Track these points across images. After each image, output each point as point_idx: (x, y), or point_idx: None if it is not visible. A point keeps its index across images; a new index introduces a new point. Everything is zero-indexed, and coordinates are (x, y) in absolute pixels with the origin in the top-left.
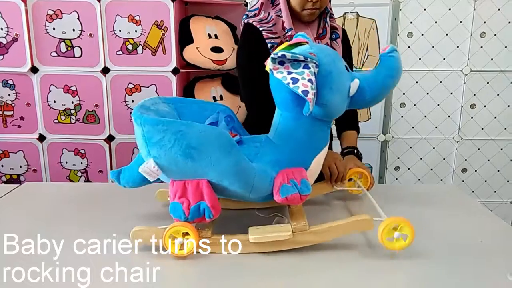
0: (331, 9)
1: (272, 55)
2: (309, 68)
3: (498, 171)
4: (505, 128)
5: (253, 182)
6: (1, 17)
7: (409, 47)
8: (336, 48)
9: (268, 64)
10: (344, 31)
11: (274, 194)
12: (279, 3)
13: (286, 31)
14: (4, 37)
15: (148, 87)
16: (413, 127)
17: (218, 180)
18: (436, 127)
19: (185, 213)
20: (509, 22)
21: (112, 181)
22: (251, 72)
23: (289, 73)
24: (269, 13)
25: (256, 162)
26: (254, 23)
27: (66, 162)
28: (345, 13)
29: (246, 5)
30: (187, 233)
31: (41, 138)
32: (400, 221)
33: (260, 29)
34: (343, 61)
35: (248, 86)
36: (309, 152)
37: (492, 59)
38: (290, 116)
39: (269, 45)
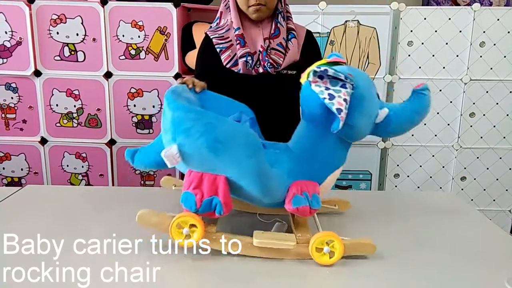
0: (289, 12)
1: (314, 68)
2: (346, 88)
3: (497, 179)
4: (504, 137)
5: (270, 187)
6: (6, 20)
7: (409, 55)
8: (291, 48)
9: (307, 76)
10: (309, 32)
11: (286, 202)
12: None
13: (234, 30)
14: (8, 41)
15: (150, 92)
16: (412, 135)
17: (237, 178)
18: (435, 135)
19: (196, 205)
20: (508, 32)
21: (113, 184)
22: (198, 73)
23: (327, 88)
24: (227, 19)
25: (274, 169)
26: (208, 33)
27: (67, 166)
28: (346, 22)
29: None
30: (194, 225)
31: (43, 141)
32: (335, 238)
33: (211, 37)
34: (375, 88)
35: None
36: (326, 169)
37: (491, 69)
38: (315, 130)
39: (218, 50)
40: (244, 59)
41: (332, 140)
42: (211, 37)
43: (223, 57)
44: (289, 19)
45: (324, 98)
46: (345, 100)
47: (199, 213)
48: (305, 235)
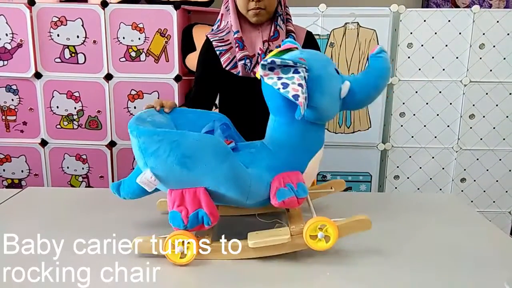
0: (288, 14)
1: (262, 62)
2: (299, 72)
3: (497, 181)
4: (504, 139)
5: (249, 187)
6: (6, 23)
7: (409, 57)
8: None
9: (259, 71)
10: (309, 33)
11: (271, 198)
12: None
13: (233, 33)
14: (9, 43)
15: (150, 94)
16: (412, 137)
17: (215, 187)
18: (435, 137)
19: (184, 222)
20: (508, 34)
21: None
22: (198, 76)
23: (279, 78)
24: (227, 22)
25: (252, 168)
26: (209, 36)
27: (68, 167)
28: (346, 24)
29: None
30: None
31: (43, 143)
32: (326, 222)
33: (211, 39)
34: (333, 65)
35: (194, 84)
36: (304, 155)
37: (491, 70)
38: (283, 121)
39: (217, 52)
40: (243, 62)
41: (302, 126)
42: (211, 40)
43: (222, 59)
44: (289, 21)
45: (279, 88)
46: (300, 84)
47: (189, 229)
48: (298, 226)
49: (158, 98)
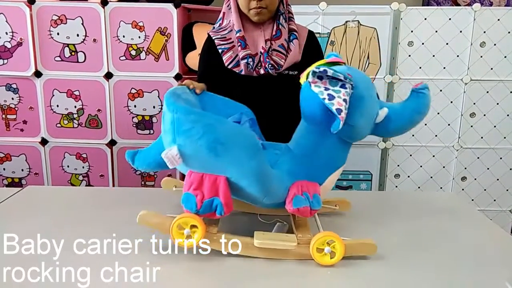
0: (291, 12)
1: (313, 69)
2: (346, 88)
3: (498, 179)
4: (505, 137)
5: (270, 187)
6: (6, 21)
7: (409, 55)
8: (293, 49)
9: (307, 77)
10: (311, 33)
11: (287, 203)
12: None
13: (235, 32)
14: (9, 41)
15: (150, 93)
16: (413, 135)
17: (237, 179)
18: (436, 135)
19: (197, 206)
20: (509, 32)
21: (113, 185)
22: (200, 74)
23: (327, 89)
24: (229, 20)
25: (274, 169)
26: (211, 33)
27: (68, 166)
28: (346, 22)
29: None
30: (194, 226)
31: (44, 142)
32: (335, 239)
33: (213, 37)
34: (375, 88)
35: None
36: (327, 169)
37: (491, 69)
38: (315, 131)
39: (219, 50)
40: (245, 60)
41: (332, 141)
42: (213, 38)
43: (224, 58)
44: (291, 20)
45: (324, 98)
46: (344, 100)
47: (200, 214)
48: (305, 236)
49: (158, 96)
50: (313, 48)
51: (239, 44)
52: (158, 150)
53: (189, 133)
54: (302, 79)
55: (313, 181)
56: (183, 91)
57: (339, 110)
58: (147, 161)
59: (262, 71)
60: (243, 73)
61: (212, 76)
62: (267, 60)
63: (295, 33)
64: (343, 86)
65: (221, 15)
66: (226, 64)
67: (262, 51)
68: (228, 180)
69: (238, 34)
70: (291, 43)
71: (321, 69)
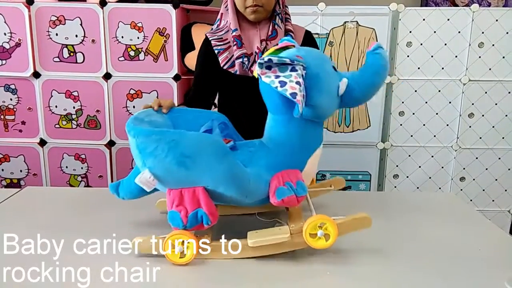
0: (287, 13)
1: (259, 60)
2: (296, 70)
3: (496, 180)
4: (503, 138)
5: (248, 186)
6: (5, 22)
7: (408, 56)
8: None
9: (256, 70)
10: (308, 32)
11: (270, 197)
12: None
13: (232, 31)
14: (7, 42)
15: (149, 93)
16: (412, 136)
17: (214, 186)
18: (434, 136)
19: (183, 221)
20: (507, 33)
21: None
22: (197, 75)
23: (277, 76)
24: (227, 21)
25: (251, 167)
26: (208, 35)
27: (67, 167)
28: (345, 23)
29: None
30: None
31: (42, 142)
32: (326, 220)
33: (210, 38)
34: (330, 62)
35: (193, 83)
36: (303, 154)
37: (490, 69)
38: (281, 120)
39: (216, 51)
40: (241, 60)
41: (301, 125)
42: (210, 39)
43: (220, 58)
44: (288, 20)
45: (276, 86)
46: (297, 82)
47: (188, 229)
48: (298, 224)
49: (157, 97)
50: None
51: (235, 43)
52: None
53: (155, 153)
54: (255, 73)
55: (293, 169)
56: (147, 114)
57: (294, 94)
58: (129, 190)
59: None
60: (238, 73)
61: (208, 77)
62: None
63: (291, 33)
64: (293, 69)
65: (218, 16)
66: (221, 65)
67: (257, 51)
68: (206, 189)
69: (234, 33)
70: None
71: (266, 58)
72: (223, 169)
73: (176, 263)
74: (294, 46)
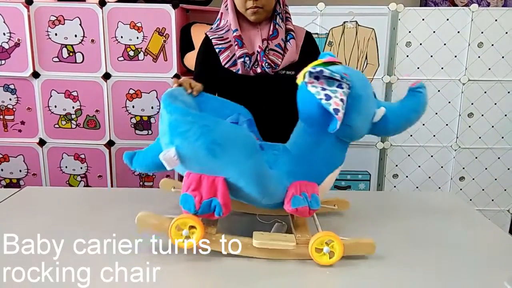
0: (288, 12)
1: (310, 69)
2: (342, 88)
3: (496, 179)
4: (502, 137)
5: (268, 188)
6: (4, 22)
7: (407, 56)
8: (290, 48)
9: (303, 77)
10: (308, 33)
11: (285, 203)
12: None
13: (232, 32)
14: (6, 42)
15: (149, 93)
16: (411, 135)
17: (235, 180)
18: (434, 136)
19: (195, 207)
20: (506, 33)
21: (112, 186)
22: (197, 74)
23: (323, 89)
24: (227, 20)
25: (273, 170)
26: (208, 33)
27: (66, 167)
28: (344, 23)
29: None
30: (193, 226)
31: (42, 142)
32: (334, 239)
33: (211, 37)
34: (372, 88)
35: None
36: (325, 169)
37: (489, 69)
38: (313, 131)
39: (217, 50)
40: (242, 59)
41: (330, 140)
42: (210, 37)
43: (222, 57)
44: (288, 20)
45: (321, 98)
46: (341, 100)
47: (199, 215)
48: (304, 236)
49: (156, 97)
50: (310, 49)
51: (236, 43)
52: (156, 152)
53: (187, 135)
54: (299, 80)
55: (311, 181)
56: (180, 93)
57: (337, 110)
58: (145, 162)
59: (259, 70)
60: (240, 72)
61: (209, 76)
62: (264, 59)
63: (292, 33)
64: (340, 86)
65: (219, 15)
66: (223, 64)
67: (259, 50)
68: (226, 181)
69: (235, 34)
70: (288, 42)
71: (318, 69)
72: (250, 165)
73: (179, 245)
74: (340, 63)
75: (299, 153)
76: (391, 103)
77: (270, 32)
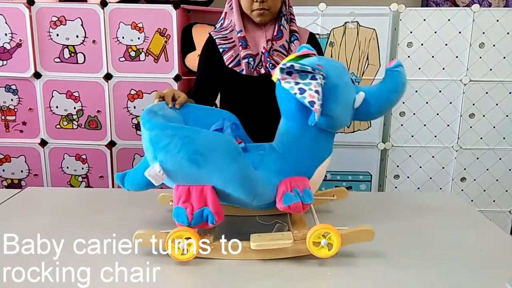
0: (292, 14)
1: (280, 66)
2: (316, 79)
3: (497, 180)
4: (504, 138)
5: (256, 189)
6: (6, 22)
7: (409, 56)
8: (294, 50)
9: (276, 74)
10: (312, 34)
11: (277, 202)
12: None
13: (237, 32)
14: (8, 43)
15: (150, 94)
16: (412, 136)
17: (223, 186)
18: (435, 136)
19: (188, 218)
20: (508, 33)
21: (113, 186)
22: (200, 73)
23: (297, 83)
24: (231, 20)
25: (260, 170)
26: (212, 33)
27: (67, 167)
28: (345, 23)
29: None
30: (189, 238)
31: (43, 143)
32: (330, 230)
33: (214, 37)
34: (349, 74)
35: (195, 83)
36: (313, 162)
37: (491, 69)
38: (295, 126)
39: (220, 50)
40: (246, 60)
41: (314, 133)
42: (214, 37)
43: (225, 57)
44: (293, 21)
45: (295, 93)
46: (316, 91)
47: (192, 226)
48: (301, 231)
49: None
50: (314, 49)
51: (240, 44)
52: (145, 170)
53: (168, 148)
54: (274, 77)
55: (301, 176)
56: (160, 107)
57: (312, 103)
58: (136, 181)
59: (263, 71)
60: (244, 72)
61: (212, 76)
62: (268, 59)
63: (296, 34)
64: (313, 78)
65: (222, 15)
66: (227, 63)
67: (263, 51)
68: (215, 188)
69: (239, 34)
70: (292, 44)
71: (288, 64)
72: (234, 170)
73: (177, 259)
74: (314, 54)
75: (285, 150)
76: (370, 86)
77: (275, 33)
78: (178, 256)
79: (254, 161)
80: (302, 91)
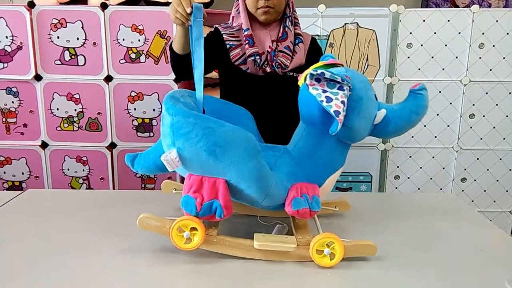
0: (296, 18)
1: (311, 71)
2: (343, 90)
3: (497, 180)
4: (504, 138)
5: (269, 189)
6: (6, 25)
7: (408, 57)
8: (298, 52)
9: (304, 79)
10: (314, 39)
11: (286, 205)
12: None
13: (243, 31)
14: (9, 45)
15: (150, 96)
16: (412, 137)
17: (236, 182)
18: (435, 137)
19: (197, 208)
20: (507, 34)
21: (114, 188)
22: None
23: (324, 91)
24: (238, 22)
25: (274, 171)
26: (220, 28)
27: (68, 169)
28: (345, 24)
29: None
30: (194, 228)
31: (44, 145)
32: (335, 240)
33: (222, 32)
34: (373, 90)
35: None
36: (326, 171)
37: (490, 70)
38: (313, 133)
39: (227, 46)
40: (253, 58)
41: (331, 142)
42: (222, 32)
43: (232, 54)
44: (297, 25)
45: (322, 100)
46: (342, 102)
47: (200, 217)
48: (305, 237)
49: (158, 99)
50: (316, 54)
51: (246, 42)
52: (158, 154)
53: (188, 136)
54: (300, 82)
55: (312, 183)
56: (182, 94)
57: (337, 112)
58: (146, 164)
59: (268, 69)
60: (249, 71)
61: (209, 56)
62: (274, 58)
63: (300, 37)
64: (340, 88)
65: (230, 19)
66: (233, 61)
67: (269, 50)
68: (228, 183)
69: (246, 33)
70: (297, 46)
71: (319, 71)
72: (251, 167)
73: (179, 247)
74: (342, 65)
75: (300, 155)
76: (392, 105)
77: (280, 34)
78: (181, 245)
79: (269, 162)
80: (329, 99)
